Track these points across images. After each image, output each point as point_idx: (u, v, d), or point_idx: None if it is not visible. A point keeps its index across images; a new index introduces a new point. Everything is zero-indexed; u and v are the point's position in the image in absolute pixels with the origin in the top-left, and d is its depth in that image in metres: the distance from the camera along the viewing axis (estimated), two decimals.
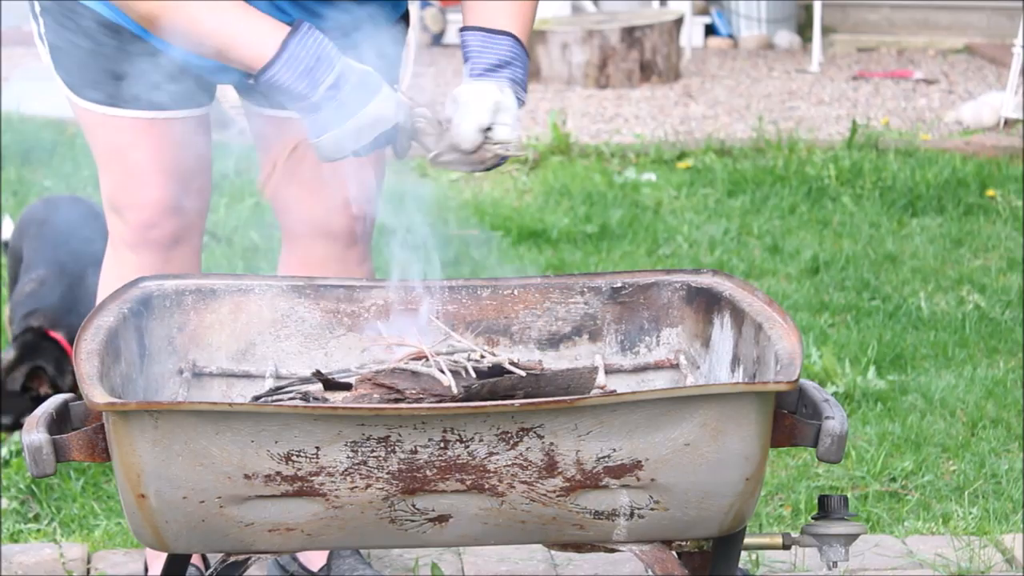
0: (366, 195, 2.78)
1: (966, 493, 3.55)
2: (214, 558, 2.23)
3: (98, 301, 2.91)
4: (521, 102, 2.49)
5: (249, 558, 2.20)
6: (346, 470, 2.06)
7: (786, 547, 2.38)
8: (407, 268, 2.49)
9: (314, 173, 2.75)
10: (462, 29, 2.52)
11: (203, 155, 2.89)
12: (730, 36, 10.18)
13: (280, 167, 2.62)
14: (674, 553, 2.24)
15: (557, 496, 2.10)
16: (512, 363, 2.28)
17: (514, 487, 2.09)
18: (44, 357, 3.79)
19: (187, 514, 2.09)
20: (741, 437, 2.10)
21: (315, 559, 3.07)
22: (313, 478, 2.07)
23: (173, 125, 2.80)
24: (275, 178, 2.71)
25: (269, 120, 2.85)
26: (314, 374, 2.37)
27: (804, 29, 10.05)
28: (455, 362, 2.28)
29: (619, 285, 2.56)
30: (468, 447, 2.06)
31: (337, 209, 2.86)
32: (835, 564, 2.32)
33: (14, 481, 3.60)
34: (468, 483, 2.08)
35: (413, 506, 2.10)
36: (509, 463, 2.07)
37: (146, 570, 3.04)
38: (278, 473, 2.06)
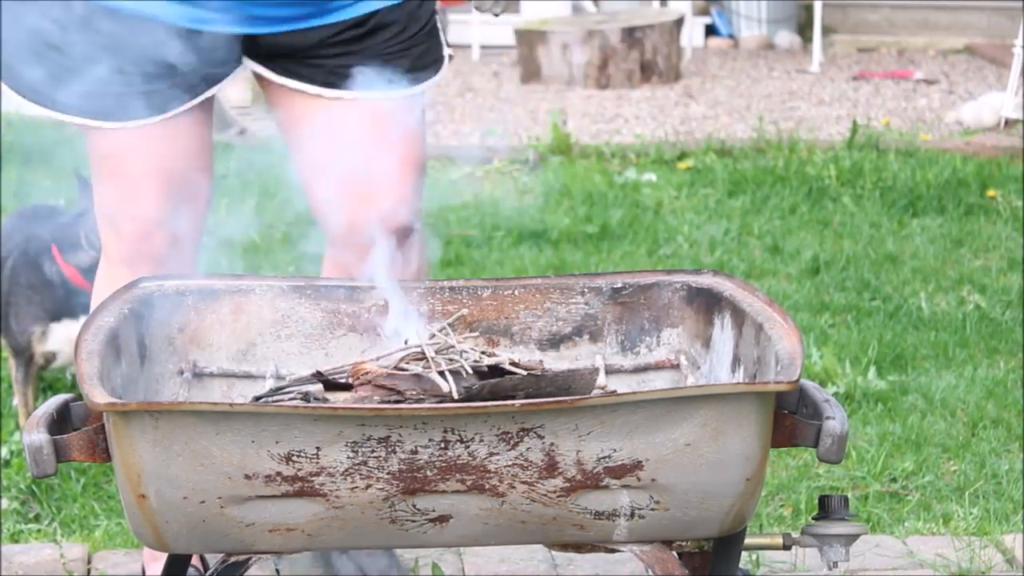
0: (407, 197, 2.73)
1: (966, 493, 3.55)
2: (213, 559, 2.23)
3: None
4: None
5: (249, 558, 2.19)
6: (346, 470, 2.06)
7: (786, 547, 2.38)
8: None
9: (353, 176, 2.70)
10: None
11: (203, 151, 2.81)
12: (730, 36, 10.18)
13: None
14: (674, 553, 2.24)
15: (557, 496, 2.10)
16: (512, 363, 2.28)
17: (514, 487, 2.09)
18: None
19: (187, 514, 2.09)
20: (742, 437, 2.10)
21: None
22: (313, 478, 2.06)
23: (167, 126, 2.72)
24: None
25: (296, 98, 2.78)
26: (314, 374, 2.36)
27: (804, 29, 10.05)
28: (454, 361, 2.27)
29: (619, 285, 2.55)
30: (468, 447, 2.05)
31: (378, 212, 2.75)
32: (835, 564, 2.32)
33: (14, 481, 3.60)
34: (468, 483, 2.08)
35: (413, 506, 2.10)
36: (509, 463, 2.07)
37: (143, 572, 3.04)
38: (278, 473, 2.06)
